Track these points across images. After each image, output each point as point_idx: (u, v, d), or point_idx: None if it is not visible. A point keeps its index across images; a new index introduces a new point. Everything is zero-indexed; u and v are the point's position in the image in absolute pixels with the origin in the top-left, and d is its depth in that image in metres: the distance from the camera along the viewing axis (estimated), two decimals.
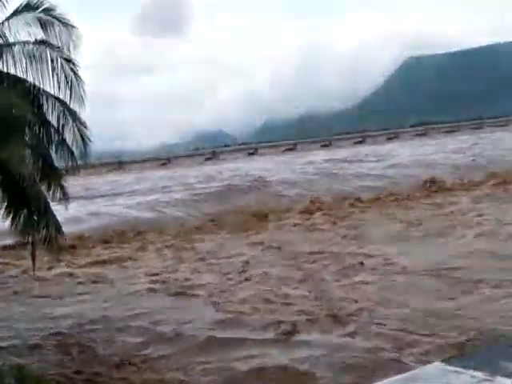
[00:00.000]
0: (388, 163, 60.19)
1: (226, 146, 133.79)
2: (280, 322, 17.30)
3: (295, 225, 35.56)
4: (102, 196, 52.80)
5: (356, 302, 19.10)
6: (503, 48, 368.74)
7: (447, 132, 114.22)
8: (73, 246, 30.25)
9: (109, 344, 17.33)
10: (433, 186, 45.99)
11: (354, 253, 26.52)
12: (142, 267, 27.55)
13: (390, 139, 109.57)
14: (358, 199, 43.36)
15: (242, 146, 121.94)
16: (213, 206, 43.08)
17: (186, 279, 24.17)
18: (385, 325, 16.48)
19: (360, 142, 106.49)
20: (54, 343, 17.32)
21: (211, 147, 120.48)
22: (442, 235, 28.97)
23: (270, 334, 16.56)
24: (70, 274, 26.66)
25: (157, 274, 25.62)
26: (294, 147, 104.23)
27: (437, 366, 6.80)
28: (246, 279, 23.72)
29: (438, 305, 17.79)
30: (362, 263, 24.03)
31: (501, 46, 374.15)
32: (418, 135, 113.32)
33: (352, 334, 16.21)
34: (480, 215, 32.89)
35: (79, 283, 25.28)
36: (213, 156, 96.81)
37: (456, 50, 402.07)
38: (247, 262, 26.30)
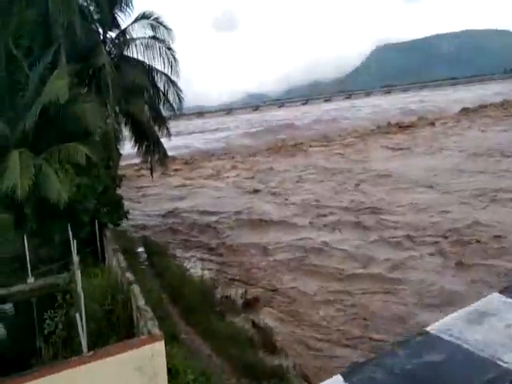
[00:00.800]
0: (371, 110, 60.12)
1: (264, 102, 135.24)
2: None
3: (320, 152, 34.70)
4: (189, 133, 53.75)
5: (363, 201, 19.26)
6: (438, 37, 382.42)
7: (403, 91, 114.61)
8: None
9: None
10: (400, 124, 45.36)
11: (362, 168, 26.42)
12: (225, 178, 27.91)
13: (367, 95, 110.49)
14: (355, 131, 43.22)
15: (273, 102, 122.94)
16: (265, 138, 43.22)
17: (256, 186, 24.27)
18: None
19: (348, 98, 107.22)
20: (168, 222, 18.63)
21: (254, 103, 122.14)
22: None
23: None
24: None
25: (235, 183, 25.92)
26: (306, 102, 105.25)
27: (495, 297, 5.09)
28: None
29: None
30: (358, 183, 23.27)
31: (437, 36, 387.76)
32: (385, 93, 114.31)
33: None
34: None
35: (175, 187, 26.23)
36: (256, 108, 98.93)
37: (409, 39, 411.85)
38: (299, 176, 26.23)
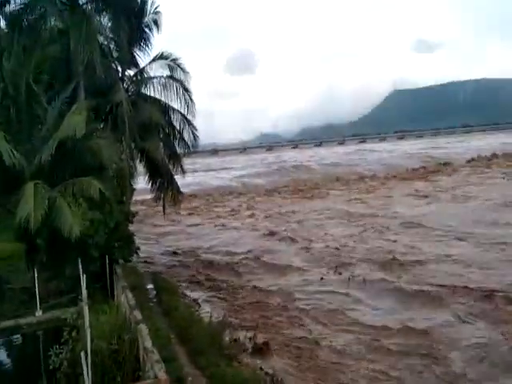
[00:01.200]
0: (385, 154, 60.71)
1: (277, 142, 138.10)
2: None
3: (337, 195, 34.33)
4: (204, 171, 54.21)
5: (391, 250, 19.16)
6: (451, 85, 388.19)
7: (417, 137, 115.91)
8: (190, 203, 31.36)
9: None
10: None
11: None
12: (241, 217, 27.55)
13: (381, 140, 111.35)
14: (374, 176, 43.08)
15: (287, 143, 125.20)
16: (278, 177, 43.77)
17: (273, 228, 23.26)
18: None
19: (362, 142, 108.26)
20: (175, 259, 18.45)
21: (268, 143, 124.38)
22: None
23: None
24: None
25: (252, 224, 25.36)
26: (320, 144, 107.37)
27: None
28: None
29: None
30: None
31: (450, 83, 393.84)
32: (398, 138, 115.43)
33: None
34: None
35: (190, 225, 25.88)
36: (270, 148, 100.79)
37: (422, 86, 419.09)
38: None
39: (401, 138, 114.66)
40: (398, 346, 9.77)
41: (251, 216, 27.87)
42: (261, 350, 9.99)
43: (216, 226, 25.32)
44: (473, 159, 50.06)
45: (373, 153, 61.40)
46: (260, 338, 10.34)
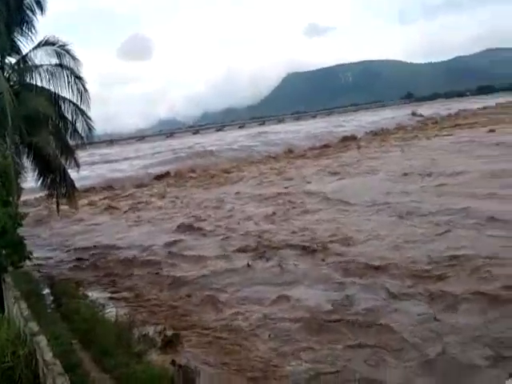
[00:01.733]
0: (290, 135, 60.09)
1: (178, 128, 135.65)
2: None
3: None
4: (105, 162, 51.46)
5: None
6: (341, 67, 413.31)
7: (312, 117, 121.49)
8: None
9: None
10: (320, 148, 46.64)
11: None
12: (149, 210, 25.54)
13: (279, 121, 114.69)
14: (282, 156, 43.29)
15: (188, 129, 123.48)
16: (184, 164, 41.99)
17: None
18: None
19: (262, 124, 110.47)
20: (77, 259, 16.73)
21: (169, 129, 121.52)
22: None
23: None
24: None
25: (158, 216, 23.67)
26: (221, 128, 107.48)
27: None
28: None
29: None
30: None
31: (340, 65, 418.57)
32: (295, 119, 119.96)
33: None
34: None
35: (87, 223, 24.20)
36: (171, 135, 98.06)
37: (314, 69, 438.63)
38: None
39: (298, 119, 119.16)
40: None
41: (163, 207, 25.88)
42: (171, 343, 9.79)
43: (127, 220, 23.16)
44: (375, 133, 51.96)
45: (277, 134, 62.00)
46: (170, 331, 10.11)
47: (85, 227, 22.68)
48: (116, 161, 53.11)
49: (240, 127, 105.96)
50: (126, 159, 53.34)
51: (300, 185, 26.48)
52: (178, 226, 19.92)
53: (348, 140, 49.41)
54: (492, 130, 30.96)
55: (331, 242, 14.72)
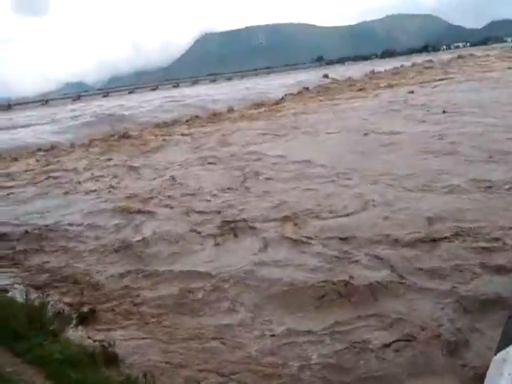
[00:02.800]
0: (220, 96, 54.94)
1: (85, 91, 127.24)
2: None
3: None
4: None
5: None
6: (254, 29, 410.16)
7: (227, 79, 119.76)
8: None
9: None
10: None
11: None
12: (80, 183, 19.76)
13: (194, 83, 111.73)
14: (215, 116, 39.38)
15: (97, 91, 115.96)
16: (96, 128, 37.44)
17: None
18: None
19: (176, 86, 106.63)
20: None
21: (75, 92, 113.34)
22: None
23: None
24: None
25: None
26: (133, 91, 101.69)
27: None
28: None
29: None
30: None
31: (253, 27, 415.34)
32: (211, 81, 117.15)
33: None
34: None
35: None
36: (77, 98, 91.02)
37: (226, 30, 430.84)
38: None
39: (213, 81, 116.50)
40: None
41: (98, 179, 20.32)
42: (87, 319, 9.10)
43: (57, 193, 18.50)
44: (300, 92, 50.66)
45: (199, 97, 57.55)
46: (86, 306, 9.39)
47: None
48: (14, 127, 46.16)
49: (152, 89, 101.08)
50: (29, 125, 47.37)
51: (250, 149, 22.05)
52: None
53: (274, 102, 46.61)
54: (411, 92, 31.13)
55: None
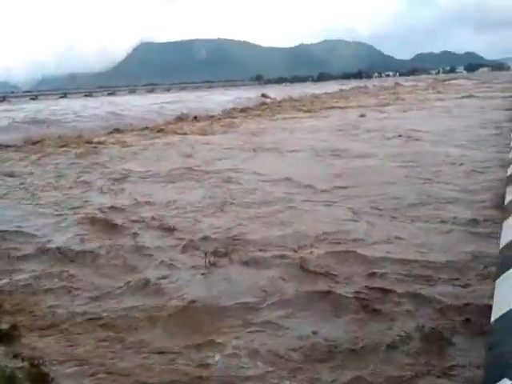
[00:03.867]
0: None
1: (11, 92, 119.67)
2: None
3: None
4: None
5: None
6: (197, 42, 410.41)
7: (165, 90, 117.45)
8: None
9: None
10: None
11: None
12: None
13: (131, 92, 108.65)
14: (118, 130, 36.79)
15: (25, 93, 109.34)
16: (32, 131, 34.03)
17: None
18: None
19: (112, 94, 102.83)
20: None
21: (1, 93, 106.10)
22: None
23: None
24: None
25: None
26: (65, 95, 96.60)
27: None
28: None
29: None
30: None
31: (194, 40, 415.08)
32: (148, 91, 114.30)
33: None
34: None
35: None
36: (2, 100, 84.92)
37: (169, 40, 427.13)
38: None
39: (150, 92, 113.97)
40: None
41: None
42: (8, 335, 7.89)
43: None
44: (241, 110, 48.58)
45: (140, 107, 54.82)
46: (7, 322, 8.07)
47: None
48: None
49: (86, 95, 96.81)
50: None
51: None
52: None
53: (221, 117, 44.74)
54: (363, 115, 31.20)
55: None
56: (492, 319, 3.34)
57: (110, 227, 9.94)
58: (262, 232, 8.67)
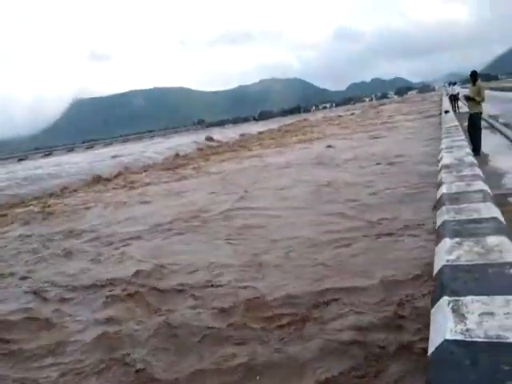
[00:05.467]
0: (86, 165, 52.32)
1: None
2: None
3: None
4: None
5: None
6: (130, 94, 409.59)
7: (105, 145, 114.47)
8: None
9: None
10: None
11: None
12: None
13: (69, 151, 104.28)
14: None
15: None
16: None
17: None
18: None
19: (49, 155, 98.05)
20: None
21: None
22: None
23: None
24: None
25: None
26: None
27: None
28: None
29: None
30: None
31: (128, 92, 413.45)
32: (87, 148, 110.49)
33: None
34: None
35: None
36: None
37: (103, 95, 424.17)
38: None
39: (90, 148, 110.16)
40: None
41: None
42: None
43: None
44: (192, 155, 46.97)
45: (63, 164, 51.71)
46: None
47: None
48: None
49: (20, 160, 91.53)
50: None
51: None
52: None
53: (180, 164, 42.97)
54: (329, 146, 29.63)
55: None
56: (429, 352, 3.23)
57: None
58: None
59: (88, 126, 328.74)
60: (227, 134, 73.95)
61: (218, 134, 75.63)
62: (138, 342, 5.94)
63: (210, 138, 64.36)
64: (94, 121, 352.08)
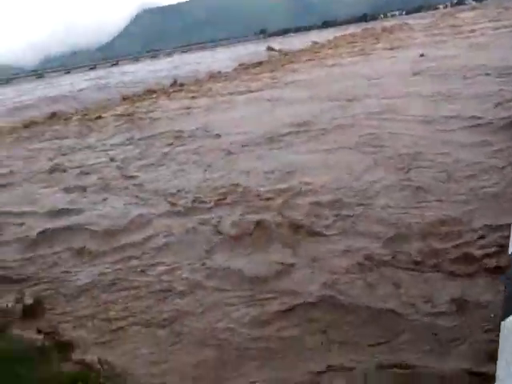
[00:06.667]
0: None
1: (15, 74, 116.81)
2: None
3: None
4: None
5: None
6: (194, 2, 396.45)
7: (167, 55, 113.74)
8: None
9: None
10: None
11: None
12: None
13: (135, 60, 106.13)
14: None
15: (29, 73, 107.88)
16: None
17: None
18: None
19: (115, 65, 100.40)
20: None
21: (7, 75, 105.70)
22: None
23: None
24: None
25: None
26: (69, 71, 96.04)
27: None
28: None
29: None
30: None
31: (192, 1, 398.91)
32: (151, 57, 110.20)
33: None
34: None
35: None
36: (9, 81, 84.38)
37: (165, 4, 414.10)
38: None
39: (154, 57, 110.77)
40: None
41: None
42: (33, 311, 7.12)
43: None
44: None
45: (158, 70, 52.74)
46: (30, 297, 7.24)
47: None
48: None
49: (91, 69, 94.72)
50: None
51: None
52: None
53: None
54: (422, 55, 28.23)
55: None
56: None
57: None
58: None
59: (150, 37, 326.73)
60: (294, 42, 71.34)
61: (284, 43, 73.00)
62: None
63: (271, 48, 62.29)
64: (156, 31, 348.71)
